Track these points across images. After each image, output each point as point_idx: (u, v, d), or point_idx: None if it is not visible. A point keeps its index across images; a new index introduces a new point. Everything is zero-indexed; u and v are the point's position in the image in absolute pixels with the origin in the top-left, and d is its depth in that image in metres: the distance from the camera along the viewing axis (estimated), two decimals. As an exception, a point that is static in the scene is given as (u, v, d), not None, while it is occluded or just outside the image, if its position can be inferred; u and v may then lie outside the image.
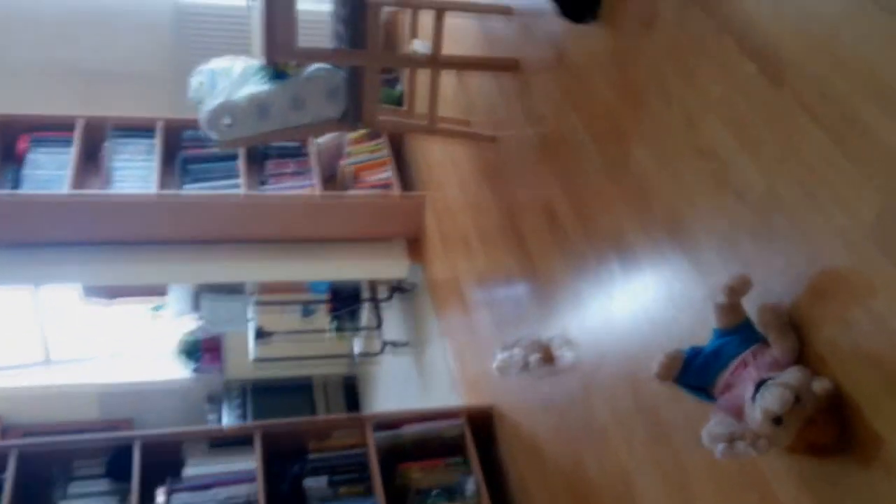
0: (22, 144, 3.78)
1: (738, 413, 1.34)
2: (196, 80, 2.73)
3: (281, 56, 2.46)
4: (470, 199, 3.28)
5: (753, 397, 1.29)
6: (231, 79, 2.67)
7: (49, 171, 3.73)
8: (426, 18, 2.99)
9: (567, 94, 2.34)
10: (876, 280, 1.24)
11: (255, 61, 2.74)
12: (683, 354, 1.43)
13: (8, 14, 3.96)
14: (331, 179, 4.10)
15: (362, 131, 4.21)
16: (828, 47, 1.31)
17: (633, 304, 2.00)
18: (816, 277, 1.36)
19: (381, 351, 4.41)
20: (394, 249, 3.99)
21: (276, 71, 2.68)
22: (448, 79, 3.32)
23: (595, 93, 2.16)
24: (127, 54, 4.21)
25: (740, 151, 1.54)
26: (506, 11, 2.78)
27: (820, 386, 1.31)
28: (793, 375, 1.29)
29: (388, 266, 3.97)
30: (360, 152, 4.17)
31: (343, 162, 4.11)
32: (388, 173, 4.07)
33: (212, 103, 2.59)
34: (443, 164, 3.66)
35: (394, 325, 4.48)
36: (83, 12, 4.07)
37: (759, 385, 1.29)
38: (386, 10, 3.88)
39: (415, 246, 4.00)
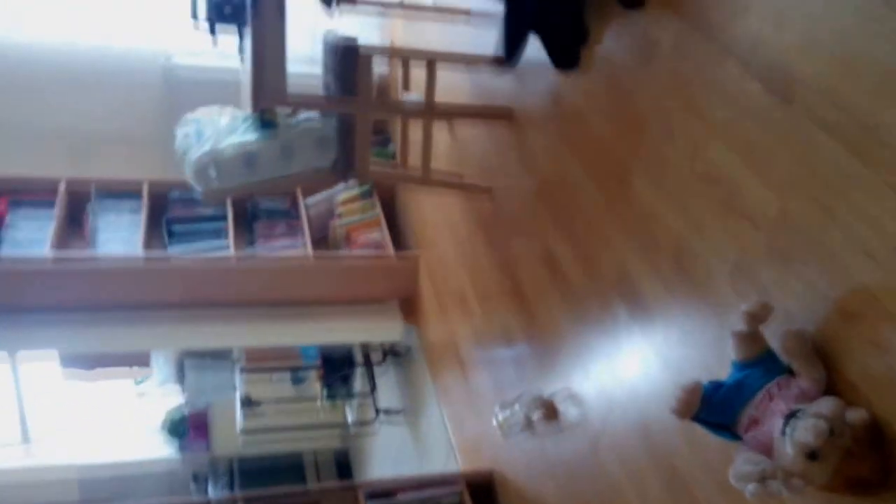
0: (1, 207, 3.68)
1: (766, 450, 1.22)
2: (182, 131, 2.66)
3: (270, 101, 2.39)
4: (465, 255, 3.18)
5: (783, 431, 1.17)
6: (218, 128, 2.60)
7: (29, 234, 3.60)
8: (418, 73, 2.96)
9: (563, 137, 2.28)
10: (909, 296, 1.14)
11: (243, 112, 2.69)
12: (702, 388, 1.31)
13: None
14: (321, 240, 4.01)
15: (353, 191, 4.16)
16: (838, 56, 1.25)
17: (641, 348, 1.88)
18: (841, 299, 1.25)
19: (375, 419, 4.24)
20: (387, 311, 3.87)
21: (264, 120, 2.62)
22: (441, 134, 3.28)
23: (592, 132, 2.09)
24: (114, 115, 4.16)
25: (749, 174, 1.46)
26: (498, 62, 2.74)
27: (855, 416, 1.19)
28: (825, 405, 1.17)
29: (380, 328, 3.84)
30: (352, 212, 4.10)
31: (334, 222, 4.03)
32: (379, 233, 3.98)
33: (197, 152, 2.51)
34: (436, 221, 3.58)
35: (388, 391, 4.32)
36: (69, 73, 4.03)
37: (789, 418, 1.17)
38: (378, 73, 3.87)
39: (408, 307, 3.89)
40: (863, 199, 1.21)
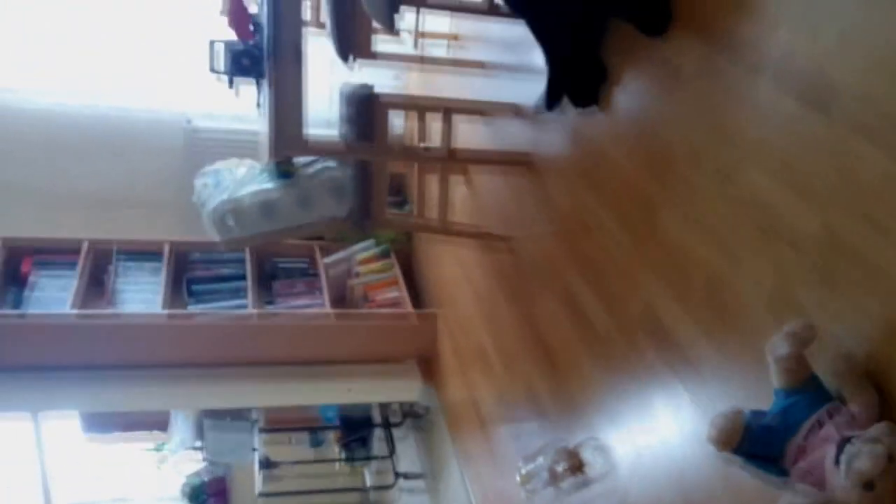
0: (25, 267, 3.71)
1: (817, 482, 1.12)
2: (201, 182, 2.66)
3: (289, 149, 2.38)
4: (484, 310, 3.11)
5: (837, 460, 1.07)
6: (236, 178, 2.59)
7: (52, 294, 3.64)
8: (436, 127, 2.95)
9: (583, 178, 2.23)
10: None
11: (261, 163, 2.68)
12: (744, 417, 1.22)
13: (17, 137, 3.98)
14: (340, 300, 3.96)
15: (371, 251, 4.14)
16: (881, 60, 1.19)
17: (672, 390, 1.78)
18: (892, 318, 1.17)
19: (395, 483, 4.10)
20: (405, 371, 3.78)
21: (282, 170, 2.60)
22: (458, 188, 3.25)
23: (613, 170, 2.05)
24: (136, 178, 4.19)
25: (786, 194, 1.39)
26: (515, 110, 2.73)
27: (915, 442, 1.09)
28: (881, 431, 1.08)
29: (399, 388, 3.76)
30: (370, 272, 4.06)
31: (352, 281, 3.99)
32: (397, 292, 3.94)
33: (215, 201, 2.49)
34: (455, 278, 3.53)
35: (407, 453, 4.19)
36: (92, 137, 4.08)
37: (842, 445, 1.08)
38: (395, 126, 3.89)
39: (428, 366, 3.80)
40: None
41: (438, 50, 3.53)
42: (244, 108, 3.63)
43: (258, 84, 2.75)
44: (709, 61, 1.61)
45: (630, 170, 1.96)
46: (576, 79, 2.06)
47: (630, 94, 1.95)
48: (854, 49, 1.24)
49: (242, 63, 2.75)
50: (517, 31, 2.63)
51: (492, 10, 2.55)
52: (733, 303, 1.55)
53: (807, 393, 1.22)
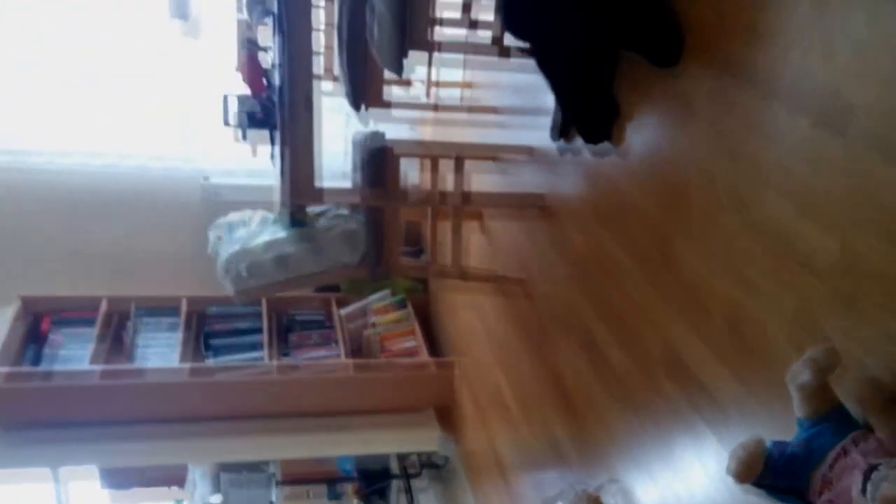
0: (45, 325, 3.74)
1: (845, 513, 1.07)
2: (214, 234, 2.68)
3: (302, 198, 2.39)
4: (502, 356, 3.08)
5: (863, 489, 1.03)
6: (249, 229, 2.61)
7: (71, 352, 3.70)
8: (450, 178, 2.96)
9: (597, 217, 2.22)
10: None
11: (274, 213, 2.70)
12: (766, 447, 1.18)
13: (37, 198, 4.04)
14: (356, 350, 3.94)
15: (387, 300, 4.13)
16: (894, 75, 1.18)
17: (695, 429, 1.74)
18: (918, 341, 1.14)
19: (415, 538, 4.01)
20: (424, 420, 3.74)
21: (295, 220, 2.62)
22: (473, 234, 3.25)
23: (628, 206, 2.04)
24: (155, 235, 4.24)
25: (805, 219, 1.36)
26: (527, 152, 2.74)
27: (946, 468, 1.04)
28: (909, 458, 1.04)
29: (417, 438, 3.70)
30: (386, 322, 4.05)
31: (368, 332, 3.97)
32: (414, 342, 3.92)
33: (228, 252, 2.50)
34: (471, 326, 3.50)
35: (427, 506, 4.11)
36: (111, 196, 4.15)
37: (869, 473, 1.04)
38: (410, 179, 3.91)
39: (446, 415, 3.75)
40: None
41: (452, 99, 3.57)
42: (260, 162, 3.68)
43: (272, 137, 2.79)
44: (721, 90, 1.60)
45: (645, 205, 1.95)
46: (587, 115, 2.06)
47: (643, 128, 1.95)
48: (867, 66, 1.23)
49: (256, 116, 2.80)
50: (530, 76, 2.65)
51: (503, 52, 2.57)
52: (755, 335, 1.52)
53: (831, 422, 1.18)
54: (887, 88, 1.19)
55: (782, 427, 1.41)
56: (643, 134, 1.95)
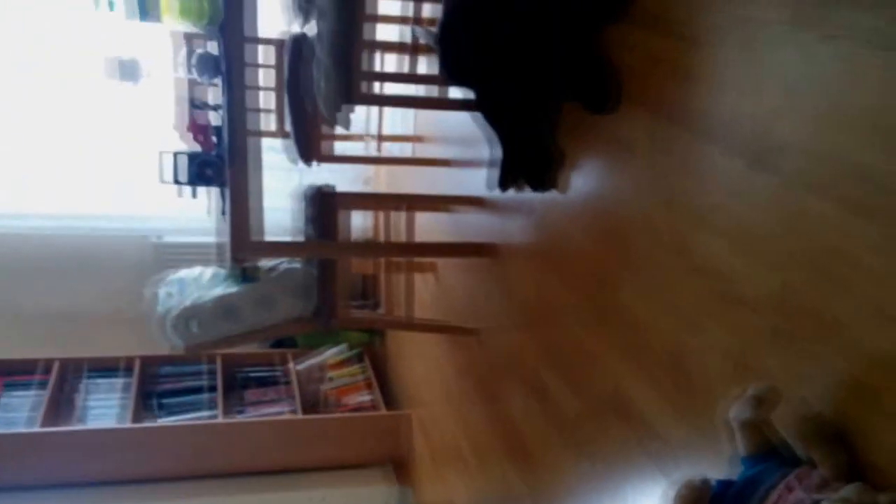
0: (-4, 388, 3.64)
1: (792, 549, 1.08)
2: (164, 291, 2.63)
3: (248, 250, 2.38)
4: (456, 407, 3.06)
5: (808, 524, 1.04)
6: (201, 285, 2.58)
7: (20, 414, 3.59)
8: (401, 223, 2.98)
9: (545, 262, 2.25)
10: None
11: (225, 268, 2.67)
12: (711, 488, 1.18)
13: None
14: (313, 405, 3.88)
15: (342, 355, 4.09)
16: (826, 114, 1.22)
17: (643, 469, 1.74)
18: (862, 373, 1.16)
19: None
20: (380, 474, 3.68)
21: (245, 274, 2.60)
22: (427, 284, 3.25)
23: (574, 250, 2.07)
24: (106, 295, 4.15)
25: (742, 257, 1.40)
26: (477, 202, 2.77)
27: (887, 500, 1.06)
28: (851, 491, 1.05)
29: (375, 494, 3.63)
30: (341, 376, 4.01)
31: (324, 387, 3.92)
32: (370, 395, 3.89)
33: (178, 307, 2.46)
34: (427, 377, 3.47)
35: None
36: (61, 257, 4.08)
37: (813, 508, 1.05)
38: (360, 230, 3.92)
39: (403, 469, 3.69)
40: (871, 258, 1.13)
41: (405, 152, 3.61)
42: (212, 219, 3.67)
43: (222, 193, 2.78)
44: (660, 133, 1.65)
45: (590, 249, 1.98)
46: (532, 164, 2.10)
47: (587, 174, 1.99)
48: (797, 105, 1.27)
49: (205, 173, 2.79)
50: (476, 130, 2.70)
51: (445, 104, 2.62)
52: (699, 374, 1.54)
53: (775, 458, 1.19)
54: (818, 127, 1.23)
55: (730, 465, 1.42)
56: (587, 179, 1.99)
